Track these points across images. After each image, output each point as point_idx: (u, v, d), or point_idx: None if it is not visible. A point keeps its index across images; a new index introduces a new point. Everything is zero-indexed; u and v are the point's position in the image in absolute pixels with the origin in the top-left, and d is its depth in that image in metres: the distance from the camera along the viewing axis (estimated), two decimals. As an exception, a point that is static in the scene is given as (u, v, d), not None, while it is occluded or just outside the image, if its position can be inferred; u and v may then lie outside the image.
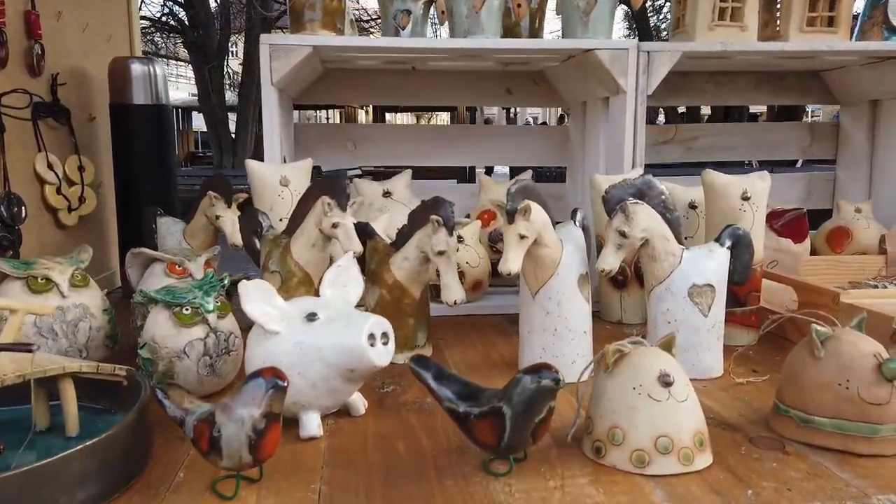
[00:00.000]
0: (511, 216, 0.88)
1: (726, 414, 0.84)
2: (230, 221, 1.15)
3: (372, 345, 0.73)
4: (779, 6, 1.41)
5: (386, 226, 1.17)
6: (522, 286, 0.98)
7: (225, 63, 12.74)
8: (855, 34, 1.49)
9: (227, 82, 13.79)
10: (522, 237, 0.89)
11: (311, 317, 0.75)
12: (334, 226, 0.97)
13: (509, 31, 1.48)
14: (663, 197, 0.97)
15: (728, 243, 0.99)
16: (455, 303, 0.95)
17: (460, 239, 1.30)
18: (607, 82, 1.33)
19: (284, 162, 1.38)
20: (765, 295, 1.22)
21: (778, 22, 1.43)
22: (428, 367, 0.72)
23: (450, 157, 1.68)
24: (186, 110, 16.77)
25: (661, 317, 0.97)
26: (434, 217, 0.96)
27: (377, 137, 1.63)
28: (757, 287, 1.13)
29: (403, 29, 1.44)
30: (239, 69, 12.03)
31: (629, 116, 1.31)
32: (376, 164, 1.71)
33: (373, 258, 1.07)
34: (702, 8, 1.34)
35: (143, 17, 13.08)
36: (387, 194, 1.46)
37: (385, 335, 0.75)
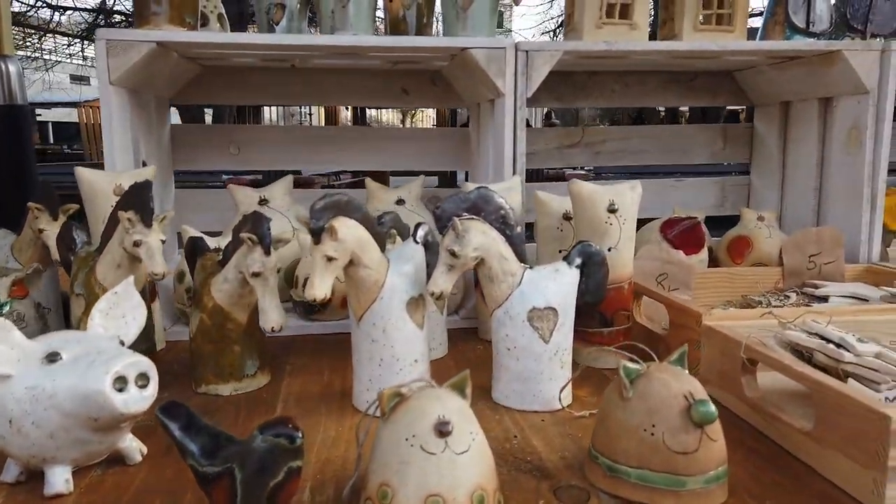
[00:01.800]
0: (316, 235, 0.79)
1: (547, 456, 0.75)
2: (54, 235, 1.06)
3: (120, 389, 0.64)
4: (674, 3, 1.33)
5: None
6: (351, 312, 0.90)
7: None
8: (759, 32, 1.41)
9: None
10: (330, 259, 0.80)
11: (52, 357, 0.66)
12: (136, 244, 0.88)
13: (394, 26, 1.39)
14: (502, 212, 0.88)
15: (578, 262, 0.91)
16: (273, 330, 0.86)
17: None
18: (486, 83, 1.24)
19: (144, 166, 1.28)
20: (648, 311, 1.15)
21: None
22: (178, 415, 0.63)
23: (345, 162, 1.59)
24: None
25: (502, 343, 0.89)
26: (246, 235, 0.87)
27: (264, 140, 1.53)
28: (626, 305, 1.06)
29: (277, 24, 1.34)
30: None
31: (508, 120, 1.23)
32: (262, 169, 1.60)
33: (198, 278, 0.97)
34: (589, 5, 1.25)
35: (118, 13, 12.84)
36: (263, 202, 1.37)
37: (144, 377, 0.66)
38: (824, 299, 1.19)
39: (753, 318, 0.96)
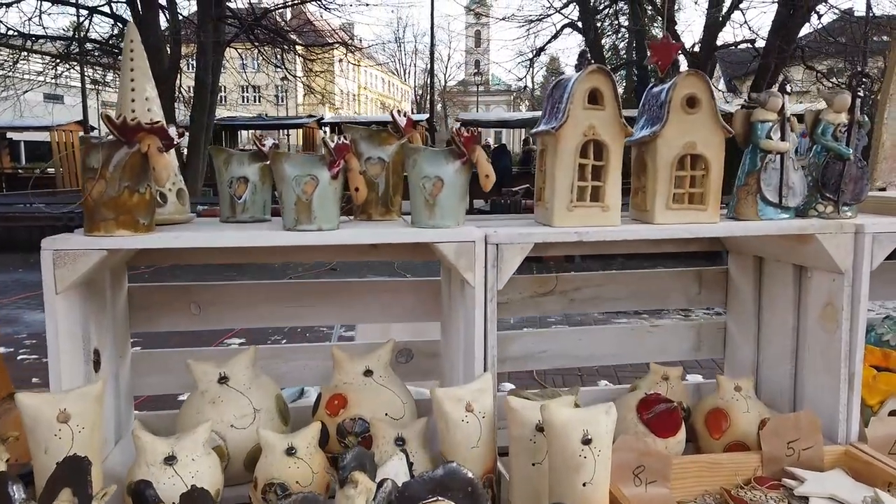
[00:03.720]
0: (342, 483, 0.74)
1: None
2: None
3: None
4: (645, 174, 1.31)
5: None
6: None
7: (176, 85, 12.48)
8: (731, 201, 1.39)
9: (181, 103, 13.50)
10: None
11: None
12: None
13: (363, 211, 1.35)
14: (470, 488, 0.83)
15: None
16: None
17: (291, 451, 1.14)
18: (456, 274, 1.20)
19: (97, 363, 1.22)
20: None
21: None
22: None
23: (312, 317, 1.53)
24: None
25: None
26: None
27: (228, 298, 1.47)
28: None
29: (240, 199, 1.29)
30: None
31: (478, 313, 1.18)
32: (226, 327, 1.54)
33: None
34: (560, 187, 1.22)
35: (90, 40, 12.71)
36: (223, 380, 1.31)
37: None
38: (805, 499, 1.16)
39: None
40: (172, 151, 1.21)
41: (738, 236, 1.50)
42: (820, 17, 11.85)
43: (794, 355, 1.44)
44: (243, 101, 33.84)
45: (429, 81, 20.82)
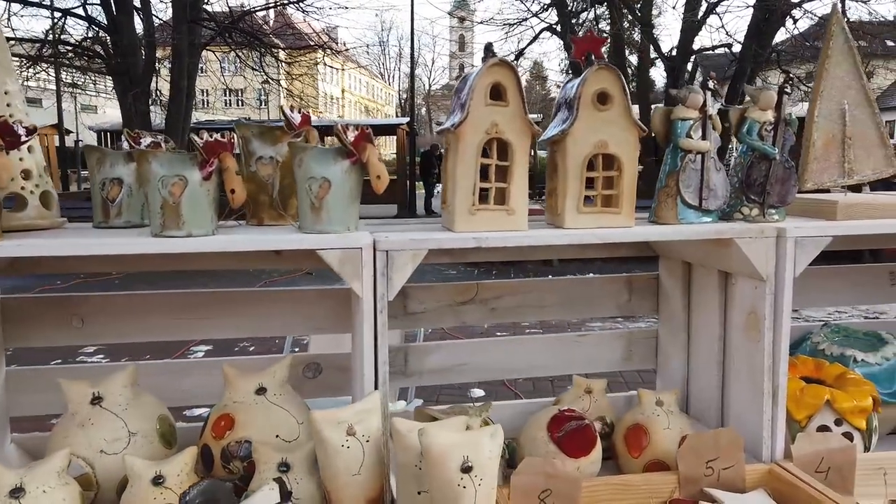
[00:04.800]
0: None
1: None
2: None
3: None
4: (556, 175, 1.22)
5: None
6: None
7: (153, 88, 12.31)
8: (653, 202, 1.31)
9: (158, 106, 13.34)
10: None
11: None
12: None
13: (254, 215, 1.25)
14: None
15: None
16: None
17: (159, 480, 1.04)
18: (343, 282, 1.10)
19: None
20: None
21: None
22: None
23: (208, 330, 1.42)
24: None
25: None
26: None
27: (113, 310, 1.36)
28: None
29: (113, 202, 1.19)
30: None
31: (367, 327, 1.09)
32: (111, 342, 1.43)
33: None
34: (461, 189, 1.13)
35: (64, 43, 12.48)
36: (96, 400, 1.19)
37: None
38: (719, 525, 1.08)
39: None
40: (28, 150, 1.11)
41: (661, 241, 1.42)
42: (795, 21, 11.93)
43: (721, 367, 1.36)
44: (226, 105, 33.60)
45: (410, 84, 20.71)
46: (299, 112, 1.26)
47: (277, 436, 1.20)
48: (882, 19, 12.26)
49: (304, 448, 1.11)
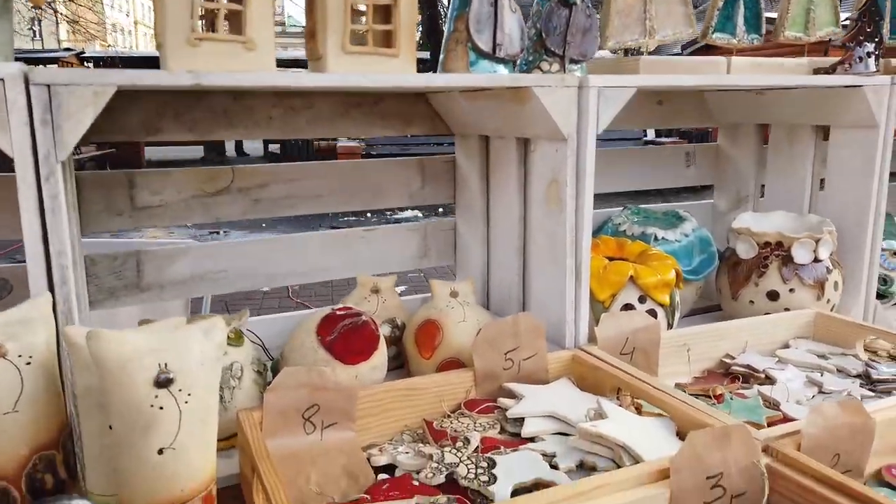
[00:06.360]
0: None
1: None
2: None
3: None
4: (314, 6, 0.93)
5: None
6: None
7: None
8: (441, 52, 1.07)
9: None
10: None
11: None
12: None
13: None
14: None
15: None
16: None
17: None
18: (-17, 137, 0.73)
19: None
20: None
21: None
22: None
23: None
24: None
25: None
26: None
27: None
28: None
29: None
30: None
31: (28, 205, 0.74)
32: None
33: None
34: (173, 13, 0.80)
35: None
36: None
37: None
38: (520, 421, 0.91)
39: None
40: None
41: (457, 106, 1.21)
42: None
43: (522, 254, 1.19)
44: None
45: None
46: None
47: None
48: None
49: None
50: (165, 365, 0.61)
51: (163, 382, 0.60)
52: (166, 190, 1.13)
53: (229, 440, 0.92)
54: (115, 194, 1.10)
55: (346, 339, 0.95)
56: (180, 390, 0.61)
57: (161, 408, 0.60)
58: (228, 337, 0.93)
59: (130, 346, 0.60)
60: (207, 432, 0.63)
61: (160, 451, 0.60)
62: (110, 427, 0.66)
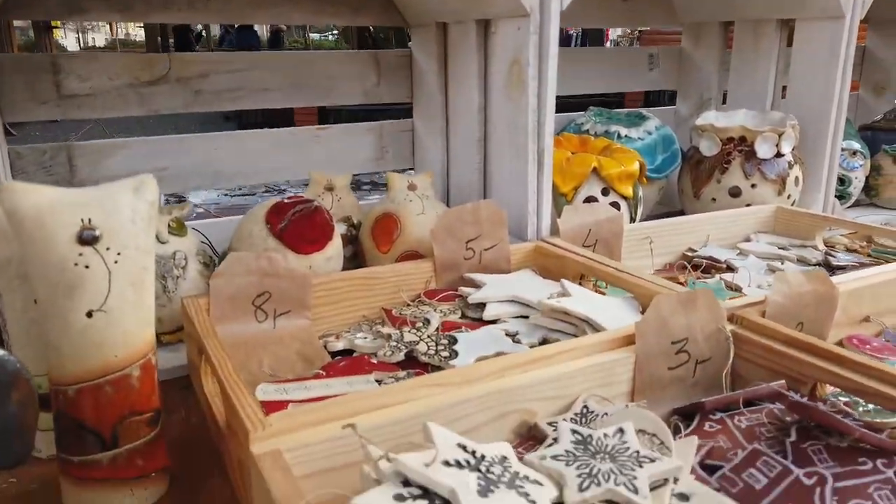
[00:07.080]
0: None
1: None
2: None
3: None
4: None
5: None
6: None
7: None
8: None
9: None
10: None
11: None
12: None
13: None
14: None
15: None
16: None
17: None
18: None
19: None
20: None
21: None
22: None
23: None
24: None
25: None
26: None
27: None
28: (138, 405, 0.60)
29: None
30: None
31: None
32: None
33: None
34: None
35: None
36: None
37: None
38: (482, 306, 0.88)
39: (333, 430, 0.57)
40: None
41: (412, -9, 1.13)
42: None
43: (483, 146, 1.15)
44: None
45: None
46: None
47: None
48: None
49: None
50: (90, 220, 0.54)
51: (87, 239, 0.54)
52: (96, 77, 1.04)
53: (175, 334, 0.87)
54: (38, 80, 1.01)
55: (298, 226, 0.90)
56: (108, 249, 0.55)
57: (87, 266, 0.54)
58: (170, 226, 0.87)
59: (48, 199, 0.54)
60: (143, 296, 0.58)
61: (89, 314, 0.55)
62: (35, 302, 0.60)
